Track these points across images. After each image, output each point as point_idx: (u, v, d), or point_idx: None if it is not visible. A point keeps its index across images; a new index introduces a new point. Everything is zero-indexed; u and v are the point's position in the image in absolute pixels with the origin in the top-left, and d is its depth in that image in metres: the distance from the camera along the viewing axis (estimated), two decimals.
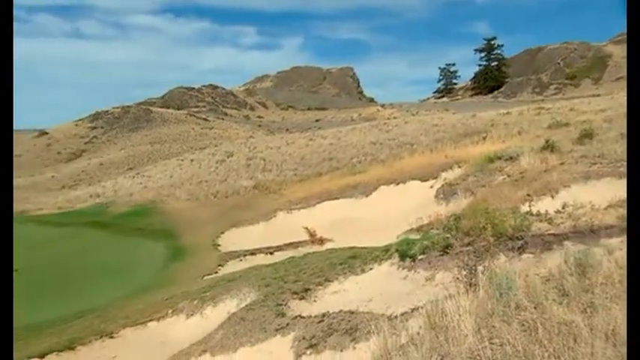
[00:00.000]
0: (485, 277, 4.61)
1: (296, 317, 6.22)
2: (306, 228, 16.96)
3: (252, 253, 15.88)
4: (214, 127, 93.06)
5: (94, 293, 12.55)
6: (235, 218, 21.55)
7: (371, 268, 8.25)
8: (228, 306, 8.10)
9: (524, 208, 8.79)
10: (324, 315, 6.03)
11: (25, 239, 21.70)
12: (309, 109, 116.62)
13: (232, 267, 14.02)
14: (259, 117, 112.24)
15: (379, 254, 8.51)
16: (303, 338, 5.47)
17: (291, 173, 28.32)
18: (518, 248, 6.78)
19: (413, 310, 5.15)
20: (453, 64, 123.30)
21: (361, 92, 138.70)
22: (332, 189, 21.73)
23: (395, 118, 73.24)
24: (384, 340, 3.73)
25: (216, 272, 13.79)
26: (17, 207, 37.81)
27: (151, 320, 8.54)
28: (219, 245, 18.16)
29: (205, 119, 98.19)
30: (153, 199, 28.02)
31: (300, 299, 7.34)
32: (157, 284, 12.88)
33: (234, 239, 18.72)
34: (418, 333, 3.74)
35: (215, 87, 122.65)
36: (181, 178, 33.11)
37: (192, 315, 8.42)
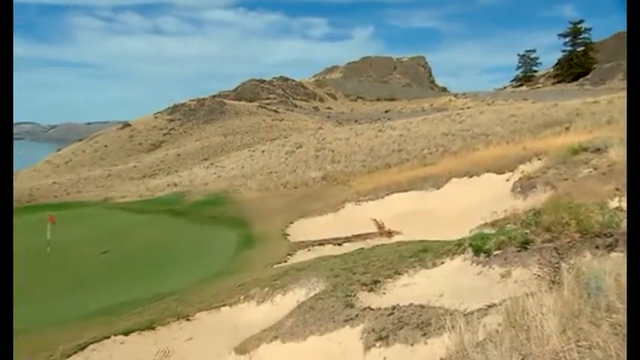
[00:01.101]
0: (570, 276, 4.28)
1: (365, 309, 6.15)
2: (375, 220, 16.80)
3: (321, 243, 15.98)
4: (284, 118, 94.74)
5: (171, 277, 13.20)
6: (304, 209, 21.81)
7: (442, 263, 7.99)
8: (298, 295, 8.18)
9: (613, 203, 8.12)
10: (393, 308, 5.91)
11: (111, 224, 23.34)
12: (378, 99, 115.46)
13: (301, 257, 14.20)
14: (328, 108, 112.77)
15: (451, 248, 8.22)
16: (373, 330, 5.39)
17: (359, 165, 28.18)
18: (607, 246, 6.25)
19: (489, 306, 4.90)
20: (534, 51, 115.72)
21: (433, 82, 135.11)
22: (401, 181, 21.36)
23: (469, 108, 70.56)
24: (459, 336, 3.57)
25: (285, 261, 14.03)
26: (104, 194, 40.75)
27: (224, 305, 8.83)
28: (288, 235, 18.46)
29: (276, 111, 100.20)
30: (226, 188, 29.04)
31: (369, 291, 7.26)
32: (230, 271, 13.33)
33: (302, 229, 18.95)
34: (497, 331, 3.54)
35: (285, 79, 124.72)
36: (252, 169, 34.04)
37: (262, 302, 8.61)
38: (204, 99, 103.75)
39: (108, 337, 7.01)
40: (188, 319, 8.21)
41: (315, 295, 7.56)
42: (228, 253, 16.16)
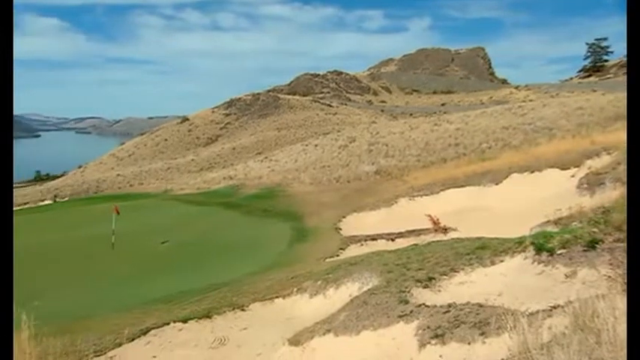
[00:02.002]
0: None
1: (420, 305, 6.01)
2: (429, 215, 16.46)
3: (373, 238, 15.86)
4: (338, 112, 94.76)
5: (226, 268, 13.52)
6: (357, 203, 21.73)
7: (501, 261, 7.68)
8: (350, 289, 8.14)
9: None
10: (449, 306, 5.74)
11: (171, 215, 24.27)
12: (434, 92, 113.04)
13: (353, 251, 14.15)
14: (382, 102, 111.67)
15: (511, 246, 7.88)
16: (428, 327, 5.25)
17: (414, 159, 27.71)
18: None
19: (553, 307, 4.65)
20: (605, 39, 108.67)
21: (492, 74, 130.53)
22: (458, 176, 20.79)
23: (531, 100, 67.64)
24: (522, 336, 3.40)
25: (338, 255, 14.02)
26: (164, 186, 42.46)
27: (277, 297, 8.94)
28: (340, 229, 18.45)
29: (329, 105, 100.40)
30: (279, 182, 29.44)
31: (424, 288, 7.10)
32: (283, 263, 13.49)
33: (355, 224, 18.88)
34: (563, 333, 3.34)
35: (339, 72, 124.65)
36: (306, 163, 34.29)
37: (315, 295, 8.64)
38: (259, 93, 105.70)
39: (168, 324, 7.28)
40: (243, 309, 8.37)
41: (369, 289, 7.49)
42: (281, 245, 16.37)
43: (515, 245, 7.79)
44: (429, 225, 16.13)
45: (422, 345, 5.09)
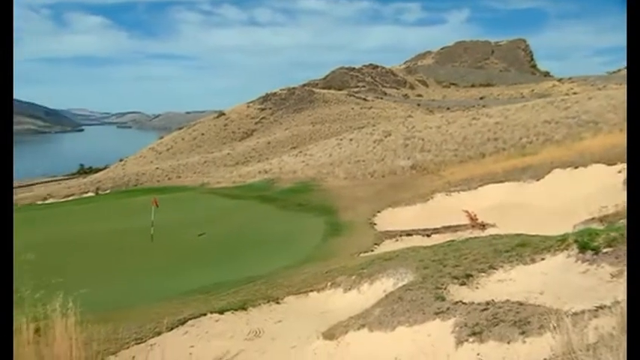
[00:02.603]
0: None
1: (457, 303, 5.89)
2: (466, 211, 16.15)
3: (409, 234, 15.70)
4: (373, 106, 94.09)
5: (261, 261, 13.68)
6: (391, 198, 21.54)
7: (543, 259, 7.43)
8: (385, 285, 8.07)
9: None
10: (487, 303, 5.60)
11: (207, 208, 24.73)
12: (472, 86, 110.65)
13: (388, 246, 14.04)
14: (419, 95, 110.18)
15: (553, 244, 7.62)
16: (465, 325, 5.14)
17: (451, 154, 27.22)
18: None
19: (598, 308, 4.46)
20: None
21: (534, 66, 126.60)
22: (496, 171, 20.30)
23: (575, 93, 65.25)
24: (566, 337, 3.27)
25: (372, 250, 13.96)
26: (201, 179, 43.30)
27: (311, 291, 8.96)
28: (375, 224, 18.34)
29: (364, 99, 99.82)
30: (313, 176, 29.52)
31: (461, 285, 6.96)
32: (317, 257, 13.54)
33: (390, 219, 18.73)
34: (611, 334, 3.20)
35: (375, 66, 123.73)
36: (340, 157, 34.23)
37: (349, 290, 8.61)
38: (294, 88, 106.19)
39: (204, 315, 7.41)
40: (277, 302, 8.43)
41: (404, 285, 7.40)
42: (315, 240, 16.42)
43: (558, 243, 7.53)
44: (466, 221, 15.84)
45: (459, 342, 4.99)
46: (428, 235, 15.18)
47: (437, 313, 5.70)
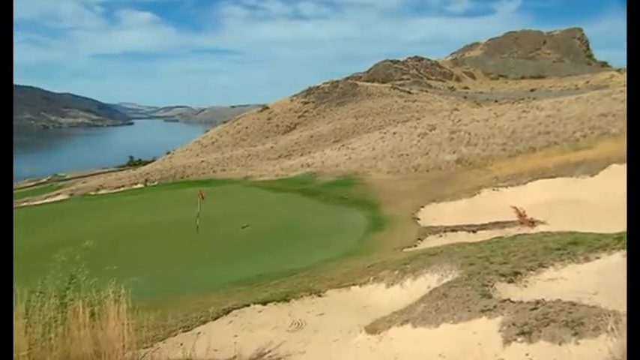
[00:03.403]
0: None
1: (504, 301, 5.70)
2: (515, 207, 15.65)
3: (453, 229, 15.37)
4: (417, 99, 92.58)
5: (303, 254, 13.77)
6: (436, 193, 21.17)
7: (597, 258, 7.10)
8: (429, 280, 7.93)
9: None
10: (537, 302, 5.39)
11: (251, 201, 25.14)
12: (523, 77, 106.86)
13: (432, 242, 13.81)
14: (465, 88, 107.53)
15: (609, 242, 7.26)
16: (513, 324, 4.97)
17: (498, 148, 26.42)
18: None
19: None
20: None
21: (590, 56, 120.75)
22: (547, 166, 19.55)
23: None
24: (623, 339, 3.11)
25: (415, 246, 13.76)
26: (244, 172, 44.05)
27: (353, 285, 8.93)
28: (418, 219, 18.08)
29: (408, 92, 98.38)
30: (356, 170, 29.42)
31: (509, 282, 6.74)
32: (359, 251, 13.49)
33: (434, 214, 18.41)
34: None
35: (420, 59, 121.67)
36: (383, 151, 33.93)
37: (392, 285, 8.52)
38: (337, 81, 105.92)
39: (248, 305, 7.53)
40: (319, 295, 8.46)
41: (449, 282, 7.25)
42: (357, 234, 16.37)
43: (614, 241, 7.17)
44: (515, 217, 15.36)
45: (506, 342, 4.83)
46: (473, 231, 14.82)
47: (483, 311, 5.54)
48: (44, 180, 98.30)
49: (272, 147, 71.49)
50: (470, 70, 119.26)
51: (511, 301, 5.69)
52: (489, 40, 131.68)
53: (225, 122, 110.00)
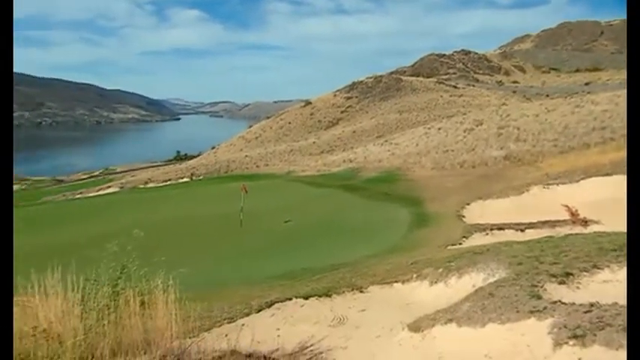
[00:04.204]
0: None
1: (555, 302, 5.47)
2: (566, 206, 15.04)
3: (500, 227, 14.94)
4: (463, 94, 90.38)
5: (345, 249, 13.76)
6: (482, 190, 20.63)
7: None
8: (474, 279, 7.72)
9: None
10: (591, 305, 5.13)
11: (293, 196, 25.34)
12: (577, 70, 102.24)
13: (477, 240, 13.48)
14: (514, 82, 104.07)
15: None
16: (565, 326, 4.76)
17: (549, 144, 25.42)
18: None
19: None
20: None
21: None
22: (602, 163, 18.66)
23: None
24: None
25: (460, 243, 13.47)
26: (287, 167, 44.44)
27: (396, 281, 8.83)
28: (463, 216, 17.69)
29: (454, 86, 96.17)
30: (399, 166, 29.08)
31: (560, 283, 6.46)
32: (402, 248, 13.34)
33: (479, 211, 17.96)
34: None
35: (467, 52, 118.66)
36: (427, 147, 33.35)
37: (435, 282, 8.36)
38: (381, 76, 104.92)
39: (290, 299, 7.59)
40: (361, 291, 8.42)
41: (495, 281, 7.03)
42: (400, 230, 16.21)
43: None
44: (566, 216, 14.76)
45: (557, 345, 4.64)
46: (522, 230, 14.36)
47: (532, 312, 5.34)
48: (97, 173, 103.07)
49: (314, 142, 71.70)
50: (520, 63, 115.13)
51: (562, 303, 5.46)
52: (541, 31, 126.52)
53: (268, 117, 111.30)
